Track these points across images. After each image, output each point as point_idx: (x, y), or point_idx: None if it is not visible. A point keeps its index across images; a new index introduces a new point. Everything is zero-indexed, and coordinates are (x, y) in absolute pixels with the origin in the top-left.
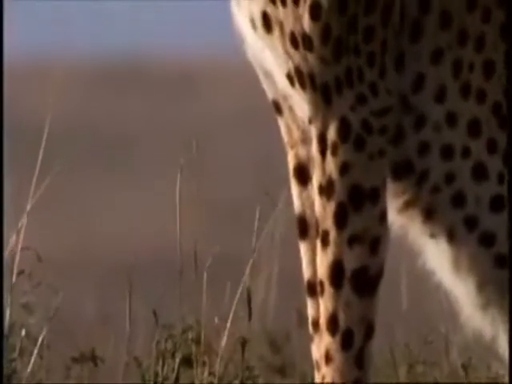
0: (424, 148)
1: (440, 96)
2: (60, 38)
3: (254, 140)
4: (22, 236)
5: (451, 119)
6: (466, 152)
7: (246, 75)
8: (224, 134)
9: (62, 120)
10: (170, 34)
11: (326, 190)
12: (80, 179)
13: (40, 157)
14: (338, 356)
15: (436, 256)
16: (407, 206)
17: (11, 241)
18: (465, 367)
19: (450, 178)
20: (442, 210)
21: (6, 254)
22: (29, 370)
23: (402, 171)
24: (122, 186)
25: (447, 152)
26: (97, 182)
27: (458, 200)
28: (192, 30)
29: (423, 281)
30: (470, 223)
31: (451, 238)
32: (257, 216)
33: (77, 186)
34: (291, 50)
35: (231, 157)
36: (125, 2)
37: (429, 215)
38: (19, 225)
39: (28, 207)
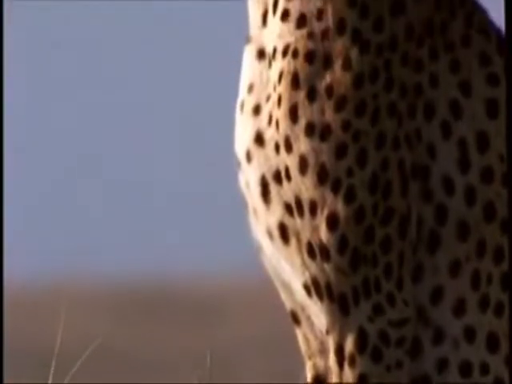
0: (442, 365)
1: (459, 309)
2: (78, 256)
3: (274, 363)
4: None
5: (470, 334)
6: (485, 368)
7: (270, 297)
8: (243, 354)
9: (81, 340)
10: (194, 256)
11: None
12: None
13: (52, 371)
14: None
15: None
16: None
17: None
18: None
19: None
20: None
21: None
22: None
23: None
24: None
25: (465, 369)
26: None
27: None
28: (215, 250)
29: None
30: None
31: None
32: None
33: None
34: (308, 261)
35: (247, 377)
36: (150, 222)
37: None
38: None
39: None
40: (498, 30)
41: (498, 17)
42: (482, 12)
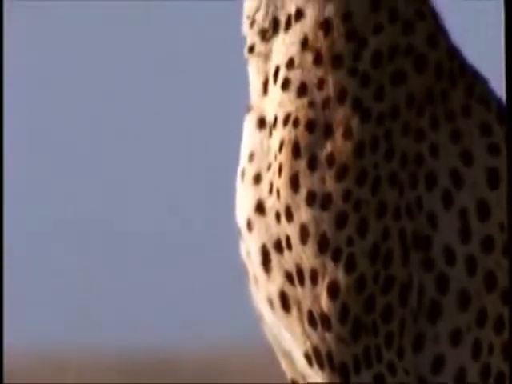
0: None
1: (460, 379)
2: (81, 327)
3: None
4: None
5: None
6: None
7: (270, 366)
8: None
9: None
10: (195, 326)
11: None
12: None
13: None
14: None
15: None
16: None
17: None
18: None
19: None
20: None
21: None
22: None
23: None
24: None
25: None
26: None
27: None
28: (216, 320)
29: None
30: None
31: None
32: None
33: None
34: (309, 330)
35: None
36: (152, 292)
37: None
38: None
39: None
40: (498, 100)
41: (498, 86)
42: (482, 82)
